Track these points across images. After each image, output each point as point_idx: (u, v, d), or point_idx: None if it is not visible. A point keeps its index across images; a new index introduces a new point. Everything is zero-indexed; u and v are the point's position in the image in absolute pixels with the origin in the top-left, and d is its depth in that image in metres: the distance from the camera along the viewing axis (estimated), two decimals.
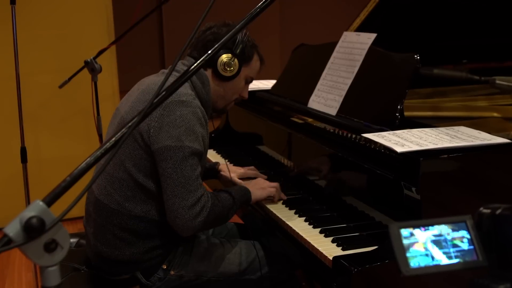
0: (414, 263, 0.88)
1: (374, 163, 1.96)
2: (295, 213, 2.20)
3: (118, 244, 2.09)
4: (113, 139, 1.13)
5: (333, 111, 2.39)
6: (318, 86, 2.56)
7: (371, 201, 2.02)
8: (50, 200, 1.06)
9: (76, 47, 4.27)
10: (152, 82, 2.15)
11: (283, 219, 2.16)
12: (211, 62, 2.14)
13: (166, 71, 2.24)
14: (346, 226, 2.06)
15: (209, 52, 1.31)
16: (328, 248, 1.89)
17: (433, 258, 0.90)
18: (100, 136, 3.51)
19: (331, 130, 2.29)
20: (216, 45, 1.33)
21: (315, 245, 1.92)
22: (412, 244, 0.89)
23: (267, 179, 2.42)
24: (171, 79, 2.16)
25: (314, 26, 6.25)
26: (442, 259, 0.90)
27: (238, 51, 2.17)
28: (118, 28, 4.48)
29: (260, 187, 2.29)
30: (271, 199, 2.30)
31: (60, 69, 4.14)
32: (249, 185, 2.29)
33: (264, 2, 1.41)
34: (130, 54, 5.30)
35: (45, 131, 4.32)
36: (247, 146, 3.03)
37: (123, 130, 1.14)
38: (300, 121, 2.51)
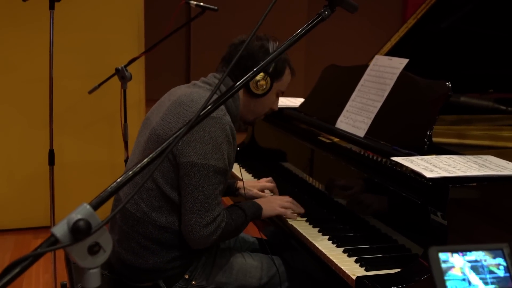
0: (451, 286, 0.91)
1: (401, 186, 1.98)
2: (319, 231, 2.22)
3: (142, 253, 2.13)
4: (159, 149, 1.17)
5: (361, 133, 2.41)
6: (347, 107, 2.59)
7: (394, 223, 2.04)
8: (96, 204, 1.10)
9: (106, 53, 4.34)
10: (183, 93, 2.15)
11: (307, 236, 2.18)
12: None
13: (197, 82, 2.25)
14: (369, 247, 2.08)
15: (250, 73, 1.34)
16: (351, 268, 1.92)
17: (470, 283, 0.92)
18: (126, 143, 3.55)
19: (359, 152, 2.31)
20: (255, 69, 1.36)
21: (338, 264, 1.95)
22: (450, 268, 0.92)
23: (289, 195, 2.44)
24: (202, 92, 2.20)
25: (340, 46, 6.29)
26: (478, 284, 0.93)
27: (271, 69, 2.20)
28: (147, 37, 4.54)
29: (271, 205, 2.33)
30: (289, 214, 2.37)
31: (88, 74, 4.20)
32: (261, 201, 2.32)
33: (308, 25, 1.45)
34: (156, 63, 5.36)
35: (69, 135, 4.38)
36: (271, 162, 3.06)
37: (169, 140, 1.18)
38: (328, 141, 2.53)
